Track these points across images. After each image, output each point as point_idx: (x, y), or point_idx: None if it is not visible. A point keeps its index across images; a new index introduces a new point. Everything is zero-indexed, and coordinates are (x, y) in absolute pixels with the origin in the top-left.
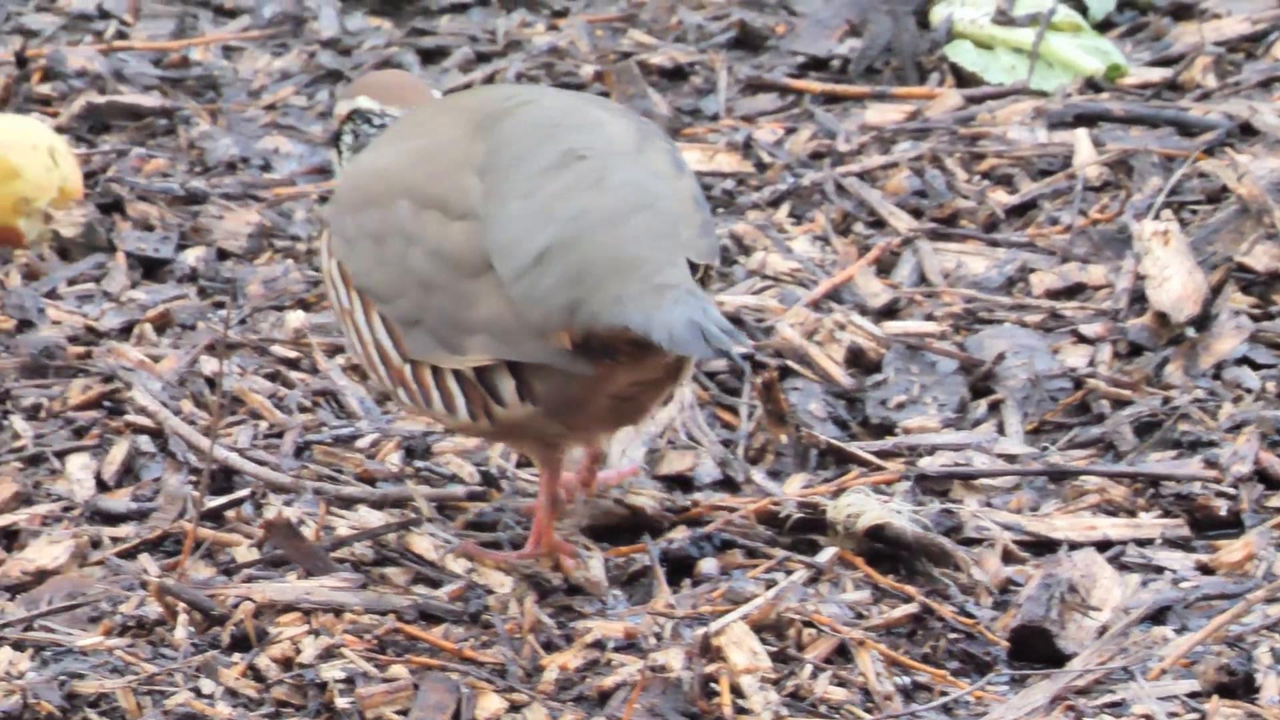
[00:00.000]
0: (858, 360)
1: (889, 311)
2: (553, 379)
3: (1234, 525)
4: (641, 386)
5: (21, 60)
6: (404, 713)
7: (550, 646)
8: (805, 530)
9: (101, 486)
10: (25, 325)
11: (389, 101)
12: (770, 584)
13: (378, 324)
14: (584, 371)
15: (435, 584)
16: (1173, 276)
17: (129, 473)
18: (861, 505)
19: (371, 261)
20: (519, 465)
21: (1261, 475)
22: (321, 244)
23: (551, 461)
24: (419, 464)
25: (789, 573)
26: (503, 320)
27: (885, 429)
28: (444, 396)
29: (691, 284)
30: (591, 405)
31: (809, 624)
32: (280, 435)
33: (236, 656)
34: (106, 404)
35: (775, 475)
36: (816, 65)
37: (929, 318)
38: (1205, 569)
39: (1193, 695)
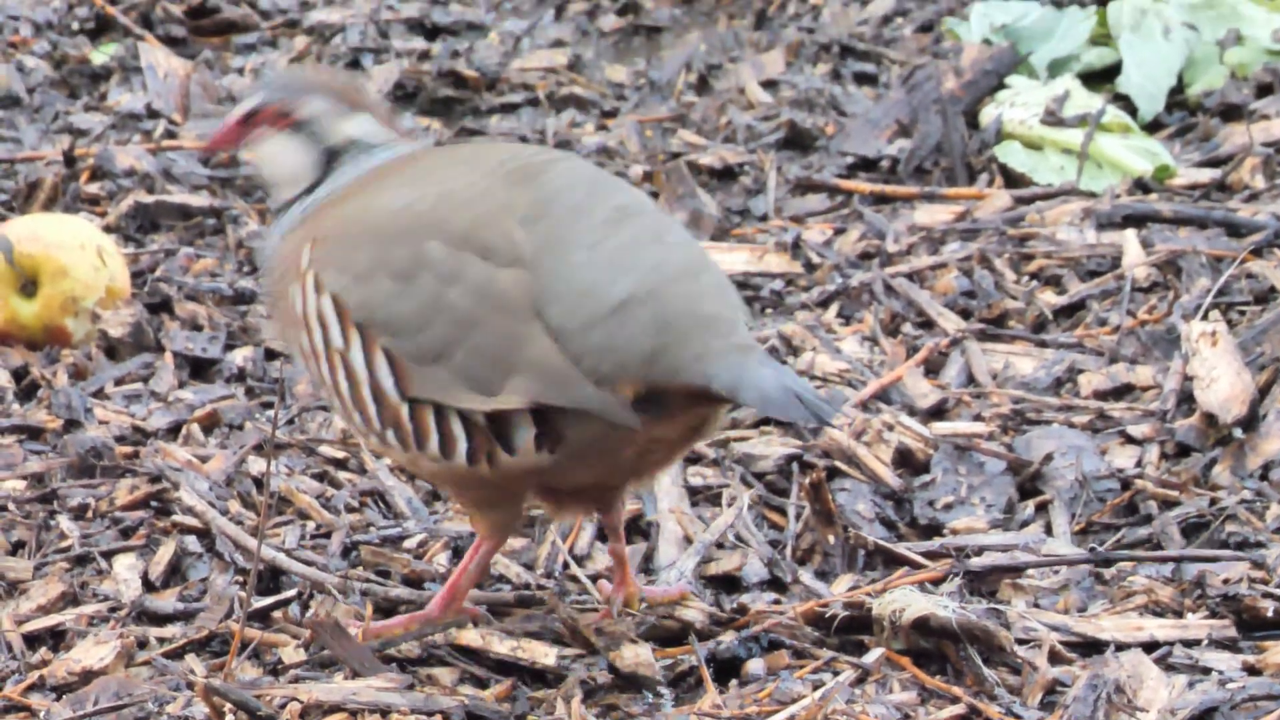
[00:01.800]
0: (906, 461)
1: (937, 412)
2: (586, 428)
3: None
4: (668, 444)
5: (70, 159)
6: None
7: None
8: (852, 631)
9: (148, 586)
10: (73, 425)
11: (387, 134)
12: (817, 685)
13: (380, 360)
14: (630, 423)
15: (483, 684)
16: (1220, 377)
17: (176, 573)
18: (907, 600)
19: (392, 296)
20: (565, 567)
21: None
22: (291, 280)
23: (502, 529)
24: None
25: (836, 673)
26: (553, 365)
27: (933, 529)
28: (444, 439)
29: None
30: (616, 457)
31: None
32: (328, 535)
33: None
34: (154, 504)
35: (823, 576)
36: (866, 165)
37: (977, 418)
38: (1252, 670)
39: None
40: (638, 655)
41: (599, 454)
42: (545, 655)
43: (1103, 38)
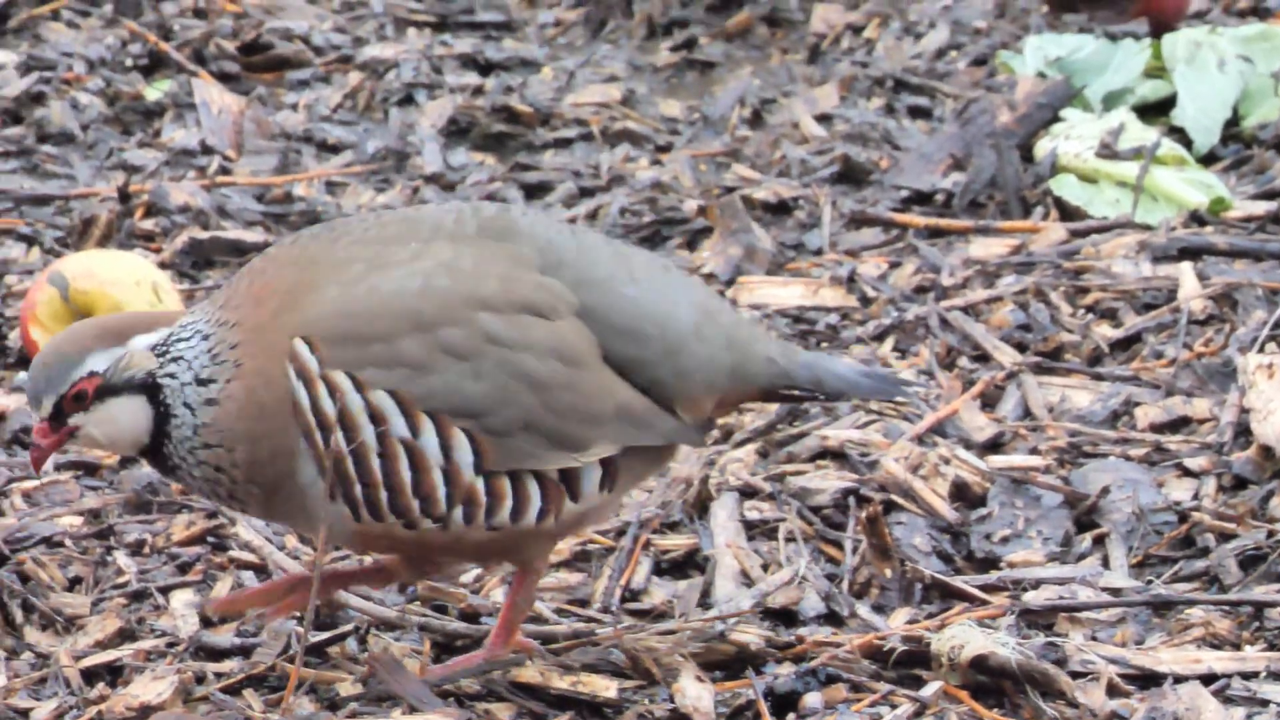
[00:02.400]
0: (962, 494)
1: (993, 445)
2: (641, 459)
3: None
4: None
5: (124, 196)
6: None
7: None
8: (910, 665)
9: (205, 622)
10: (129, 461)
11: (174, 319)
12: (875, 718)
13: (459, 442)
14: (697, 443)
15: (540, 718)
16: (1277, 410)
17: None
18: (965, 637)
19: (464, 377)
20: (622, 600)
21: None
22: (314, 383)
23: (545, 561)
24: None
25: (894, 707)
26: (637, 406)
27: (990, 563)
28: (517, 504)
29: None
30: (647, 481)
31: None
32: None
33: None
34: (210, 539)
35: (880, 609)
36: (920, 199)
37: (1033, 451)
38: None
39: None
40: (697, 692)
41: (638, 481)
42: (606, 689)
43: (1157, 70)
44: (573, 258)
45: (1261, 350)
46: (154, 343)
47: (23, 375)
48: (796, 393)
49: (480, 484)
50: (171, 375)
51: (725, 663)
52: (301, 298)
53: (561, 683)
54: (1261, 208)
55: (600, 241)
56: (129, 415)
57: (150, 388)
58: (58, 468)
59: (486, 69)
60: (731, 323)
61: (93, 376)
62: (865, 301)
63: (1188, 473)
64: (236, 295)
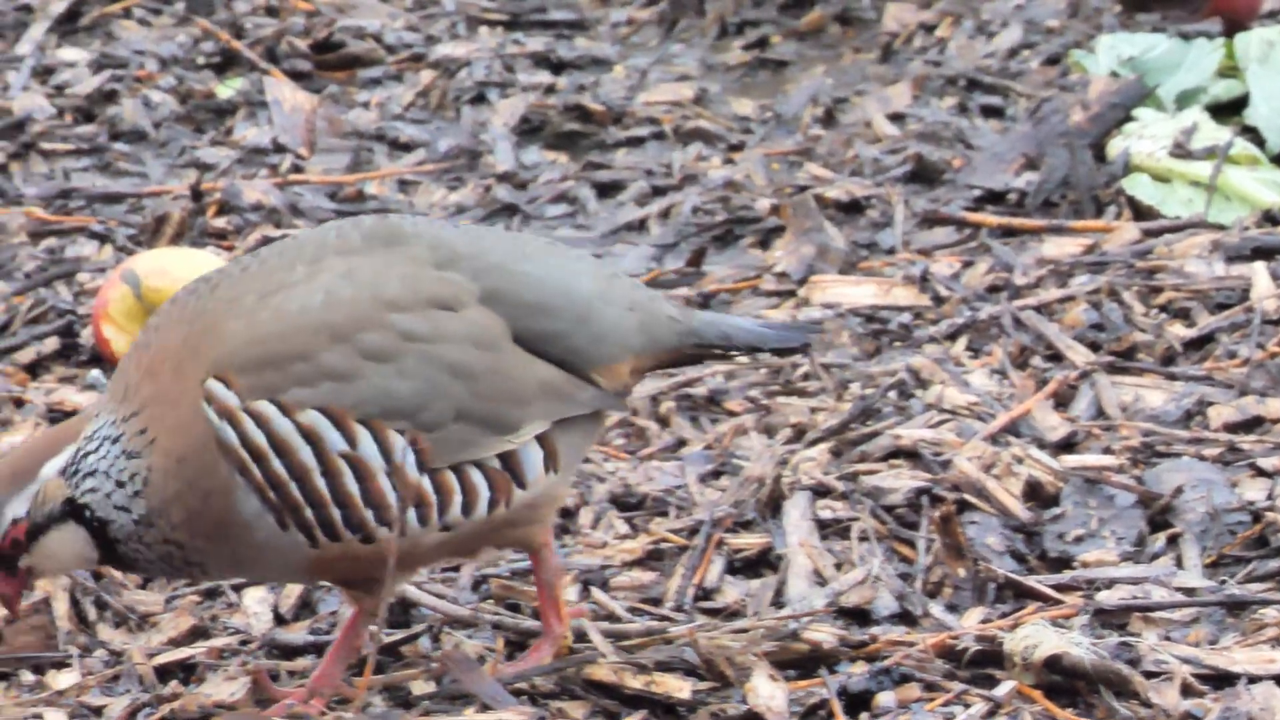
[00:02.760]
0: (1035, 494)
1: (1067, 445)
2: (574, 433)
3: None
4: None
5: (197, 194)
6: None
7: None
8: (983, 664)
9: (279, 620)
10: None
11: (77, 443)
12: (948, 718)
13: (396, 444)
14: (620, 408)
15: (613, 717)
16: None
17: (306, 606)
18: (1039, 636)
19: (389, 378)
20: (695, 600)
21: None
22: (237, 418)
23: (547, 535)
24: (595, 597)
25: (967, 706)
26: (556, 379)
27: (1063, 562)
28: (466, 498)
29: None
30: (585, 455)
31: None
32: (458, 569)
33: None
34: None
35: (953, 609)
36: (993, 199)
37: (1107, 451)
38: None
39: None
40: (771, 691)
41: (579, 456)
42: (680, 690)
43: (1230, 70)
44: (465, 249)
45: None
46: (62, 465)
47: (95, 373)
48: (709, 351)
49: (427, 482)
50: (91, 490)
51: (798, 662)
52: (200, 344)
53: (635, 682)
54: None
55: (488, 231)
56: (67, 543)
57: (75, 512)
58: None
59: (559, 68)
60: (630, 286)
61: (16, 524)
62: (938, 301)
63: (1261, 472)
64: (129, 382)
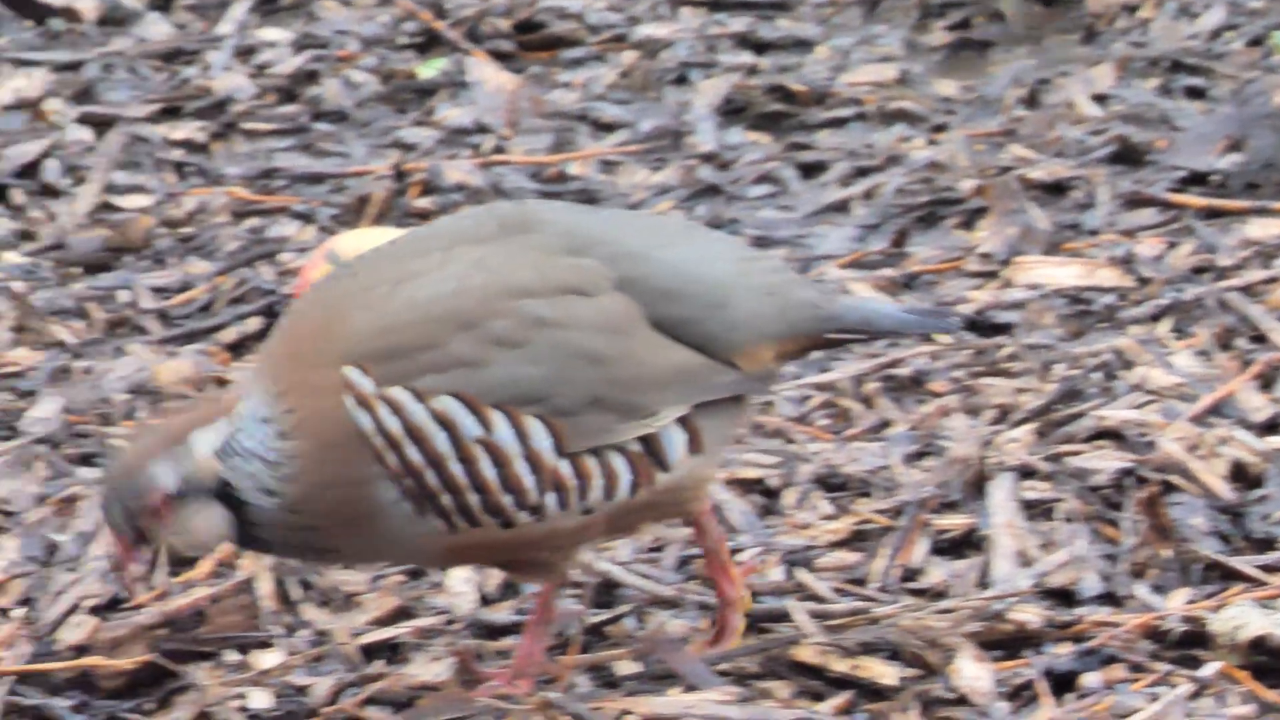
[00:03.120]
0: (1240, 475)
1: (1271, 426)
2: (718, 419)
3: None
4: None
5: (400, 174)
6: None
7: None
8: (1188, 645)
9: (484, 599)
10: None
11: (230, 414)
12: (1154, 698)
13: (533, 428)
14: (763, 391)
15: (819, 697)
16: None
17: (510, 586)
18: (1244, 617)
19: (521, 364)
20: (901, 580)
21: None
22: (373, 405)
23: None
24: (800, 578)
25: (1172, 687)
26: (695, 363)
27: (1268, 543)
28: (607, 481)
29: None
30: (733, 438)
31: None
32: (662, 549)
33: None
34: None
35: (1158, 590)
36: (1197, 180)
37: None
38: None
39: None
40: (975, 672)
41: (727, 439)
42: (884, 676)
43: None
44: (600, 235)
45: None
46: (215, 442)
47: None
48: (852, 335)
49: (565, 466)
50: (242, 472)
51: (1003, 643)
52: (335, 332)
53: (840, 666)
54: None
55: (625, 215)
56: (206, 519)
57: (221, 492)
58: None
59: (761, 48)
60: (769, 269)
61: (162, 491)
62: (1142, 282)
63: None
64: (274, 362)
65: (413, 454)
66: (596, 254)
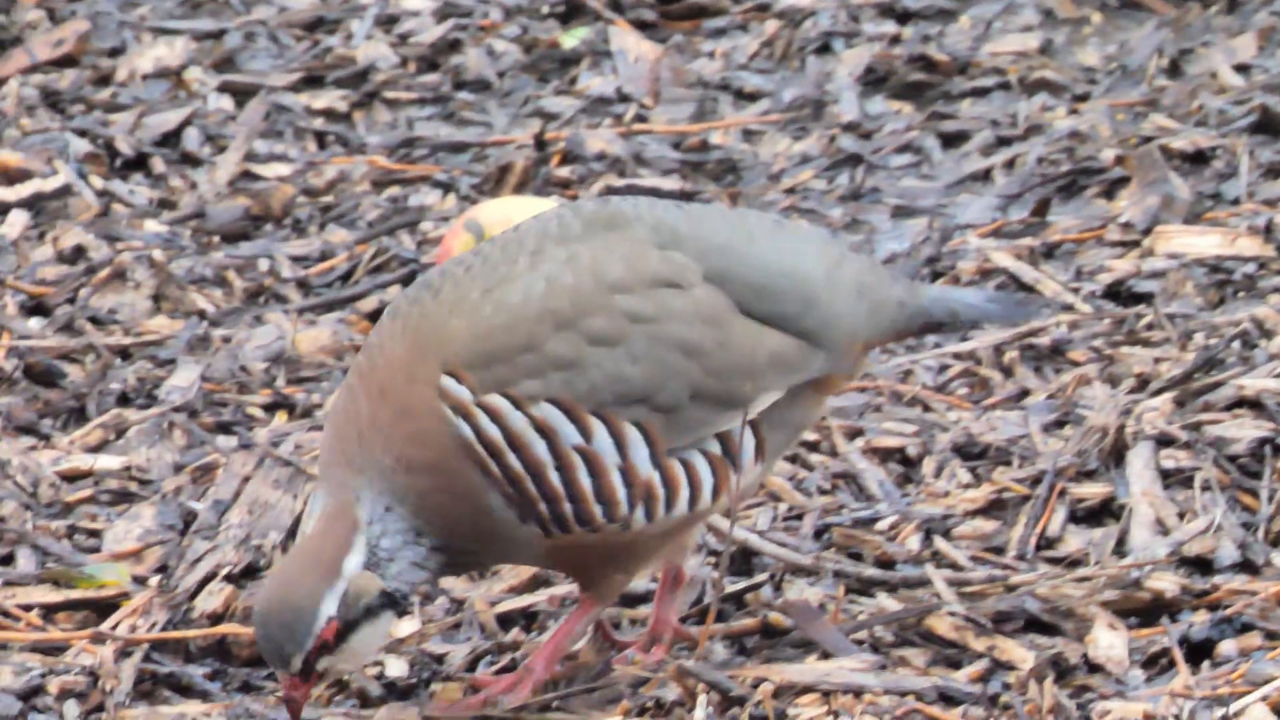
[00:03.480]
0: None
1: None
2: (784, 417)
3: None
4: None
5: (541, 143)
6: None
7: None
8: None
9: None
10: None
11: (369, 531)
12: None
13: (632, 438)
14: (852, 372)
15: (955, 665)
16: None
17: None
18: None
19: (620, 363)
20: (1038, 549)
21: None
22: (472, 413)
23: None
24: (938, 546)
25: None
26: (789, 348)
27: None
28: (692, 488)
29: None
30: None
31: None
32: (800, 517)
33: None
34: None
35: None
36: None
37: None
38: None
39: None
40: (1111, 640)
41: (781, 453)
42: (1023, 660)
43: None
44: (688, 230)
45: None
46: (363, 560)
47: None
48: (938, 328)
49: (657, 477)
50: (396, 574)
51: (1140, 611)
52: (428, 347)
53: (977, 645)
54: None
55: (712, 210)
56: (376, 634)
57: (389, 599)
58: None
59: (903, 17)
60: (858, 269)
61: (330, 622)
62: None
63: None
64: (366, 421)
65: (513, 461)
66: (685, 248)
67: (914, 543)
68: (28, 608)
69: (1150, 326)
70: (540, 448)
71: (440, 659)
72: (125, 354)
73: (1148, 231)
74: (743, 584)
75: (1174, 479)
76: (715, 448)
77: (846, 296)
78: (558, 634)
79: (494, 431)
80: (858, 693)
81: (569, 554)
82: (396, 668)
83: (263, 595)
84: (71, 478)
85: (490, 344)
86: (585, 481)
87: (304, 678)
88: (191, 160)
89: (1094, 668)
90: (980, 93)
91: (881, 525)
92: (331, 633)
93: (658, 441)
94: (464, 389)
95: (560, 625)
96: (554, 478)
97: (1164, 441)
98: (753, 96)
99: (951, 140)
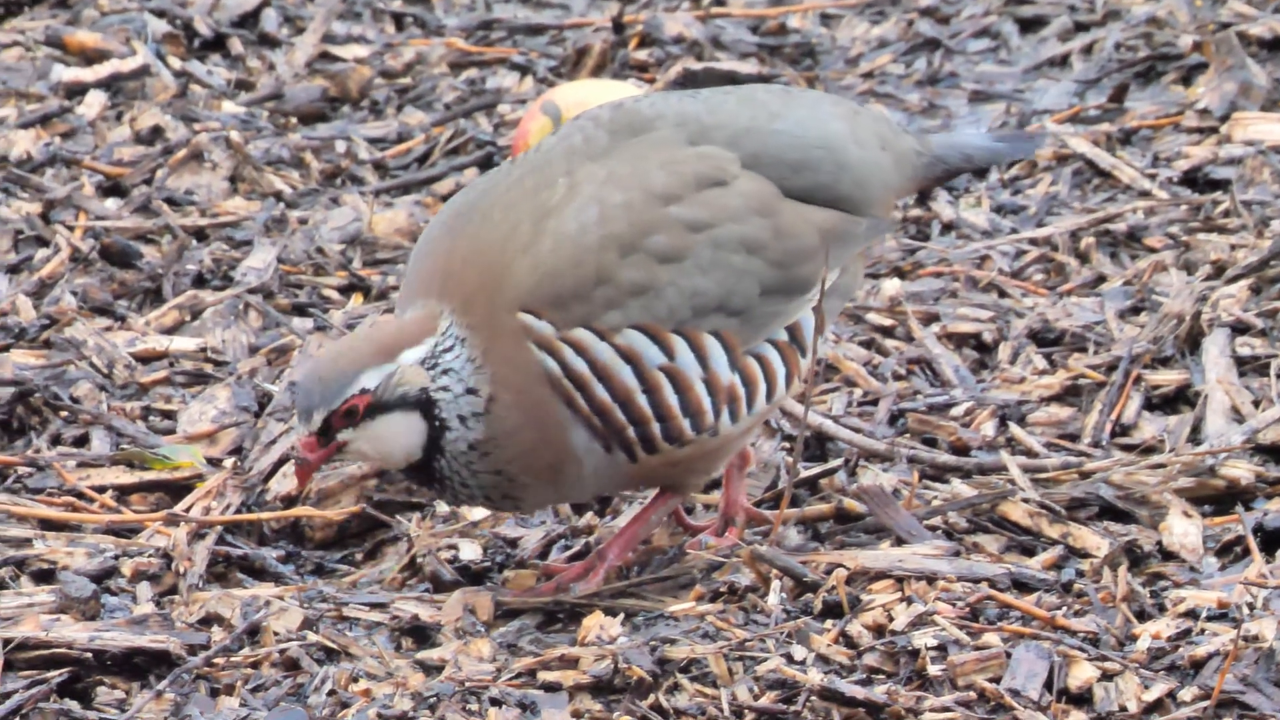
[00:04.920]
0: None
1: None
2: (834, 289)
3: None
4: None
5: (619, 26)
6: (996, 680)
7: (1143, 615)
8: None
9: None
10: None
11: (434, 334)
12: None
13: (712, 348)
14: (893, 229)
15: (1029, 552)
16: None
17: None
18: None
19: (692, 278)
20: (1112, 435)
21: None
22: (557, 348)
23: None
24: (1013, 433)
25: None
26: (833, 219)
27: None
28: (768, 382)
29: None
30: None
31: None
32: (875, 403)
33: (829, 623)
34: None
35: None
36: None
37: None
38: None
39: None
40: (1185, 528)
41: (835, 318)
42: (1090, 539)
43: None
44: (711, 119)
45: None
46: (422, 356)
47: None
48: (954, 173)
49: (737, 379)
50: (445, 389)
51: (1214, 498)
52: (499, 280)
53: (1051, 531)
54: None
55: (723, 94)
56: (401, 431)
57: (424, 404)
58: None
59: None
60: (874, 121)
61: (364, 393)
62: None
63: None
64: (455, 291)
65: (600, 393)
66: (715, 139)
67: (989, 429)
68: (102, 489)
69: (1226, 213)
70: (627, 374)
71: (514, 543)
72: (201, 235)
73: (1225, 118)
74: (817, 469)
75: (1249, 366)
76: (784, 336)
77: (873, 152)
78: (633, 522)
79: (580, 365)
80: (931, 579)
81: (657, 472)
82: (470, 551)
83: (319, 352)
84: (146, 359)
85: (562, 283)
86: (672, 400)
87: (321, 440)
88: (269, 41)
89: (1168, 555)
90: None
91: (956, 411)
92: (363, 403)
93: (735, 346)
94: (545, 324)
95: (637, 513)
96: (641, 401)
97: (1239, 328)
98: None
99: (1029, 25)
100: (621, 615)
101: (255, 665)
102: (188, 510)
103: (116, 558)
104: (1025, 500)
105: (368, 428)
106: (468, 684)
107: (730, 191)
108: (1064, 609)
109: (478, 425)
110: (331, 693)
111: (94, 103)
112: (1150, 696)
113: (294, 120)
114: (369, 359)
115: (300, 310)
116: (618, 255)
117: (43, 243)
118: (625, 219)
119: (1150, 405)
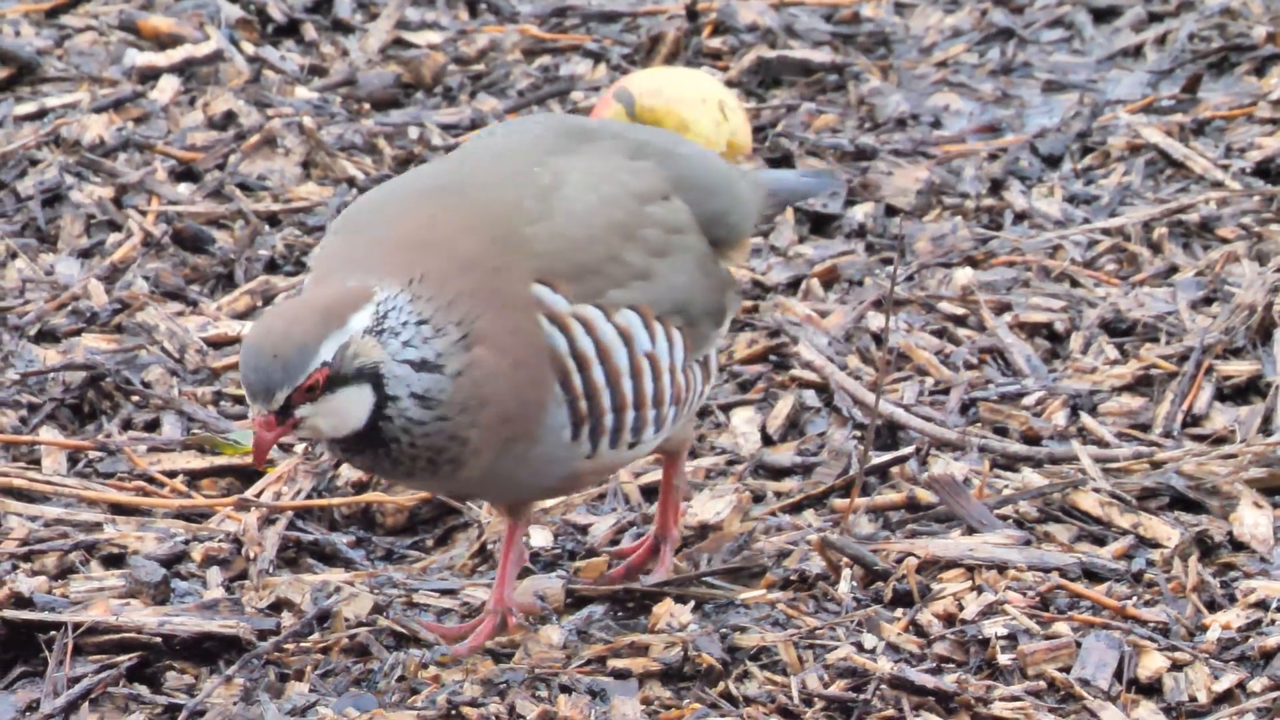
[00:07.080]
0: None
1: None
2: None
3: None
4: None
5: (693, 13)
6: (1066, 669)
7: (1213, 605)
8: None
9: (766, 440)
10: None
11: (396, 298)
12: None
13: (678, 340)
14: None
15: (1100, 541)
16: None
17: (794, 427)
18: None
19: (673, 274)
20: (1184, 426)
21: None
22: (567, 324)
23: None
24: (1084, 422)
25: None
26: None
27: None
28: (700, 390)
29: None
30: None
31: None
32: (946, 392)
33: (899, 612)
34: (772, 358)
35: None
36: None
37: None
38: None
39: None
40: (1255, 519)
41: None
42: (1168, 537)
43: None
44: (635, 138)
45: None
46: (368, 324)
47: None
48: (781, 209)
49: (683, 383)
50: (395, 361)
51: None
52: (509, 247)
53: (1121, 521)
54: None
55: (614, 121)
56: (353, 403)
57: (375, 376)
58: None
59: None
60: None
61: (324, 367)
62: None
63: None
64: (432, 266)
65: (596, 374)
66: (649, 157)
67: (1060, 418)
68: (172, 474)
69: None
70: (622, 355)
71: (584, 530)
72: (274, 220)
73: None
74: (888, 458)
75: None
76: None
77: (749, 183)
78: (666, 492)
79: (586, 343)
80: (1001, 568)
81: (587, 479)
82: (541, 538)
83: (260, 326)
84: (218, 344)
85: (581, 255)
86: (649, 386)
87: (280, 418)
88: (343, 27)
89: (1238, 546)
90: None
91: (1028, 400)
92: (323, 377)
93: (689, 349)
94: (559, 298)
95: (661, 484)
96: (626, 385)
97: None
98: None
99: (1103, 15)
100: (692, 603)
101: (325, 651)
102: (258, 495)
103: (187, 542)
104: (1096, 490)
105: (324, 402)
106: (537, 671)
107: (679, 207)
108: (1134, 599)
109: (437, 395)
110: (401, 679)
111: (167, 88)
112: (1220, 687)
113: (367, 106)
114: (325, 327)
115: None
116: (621, 239)
117: (115, 227)
118: (621, 208)
119: (1221, 396)
